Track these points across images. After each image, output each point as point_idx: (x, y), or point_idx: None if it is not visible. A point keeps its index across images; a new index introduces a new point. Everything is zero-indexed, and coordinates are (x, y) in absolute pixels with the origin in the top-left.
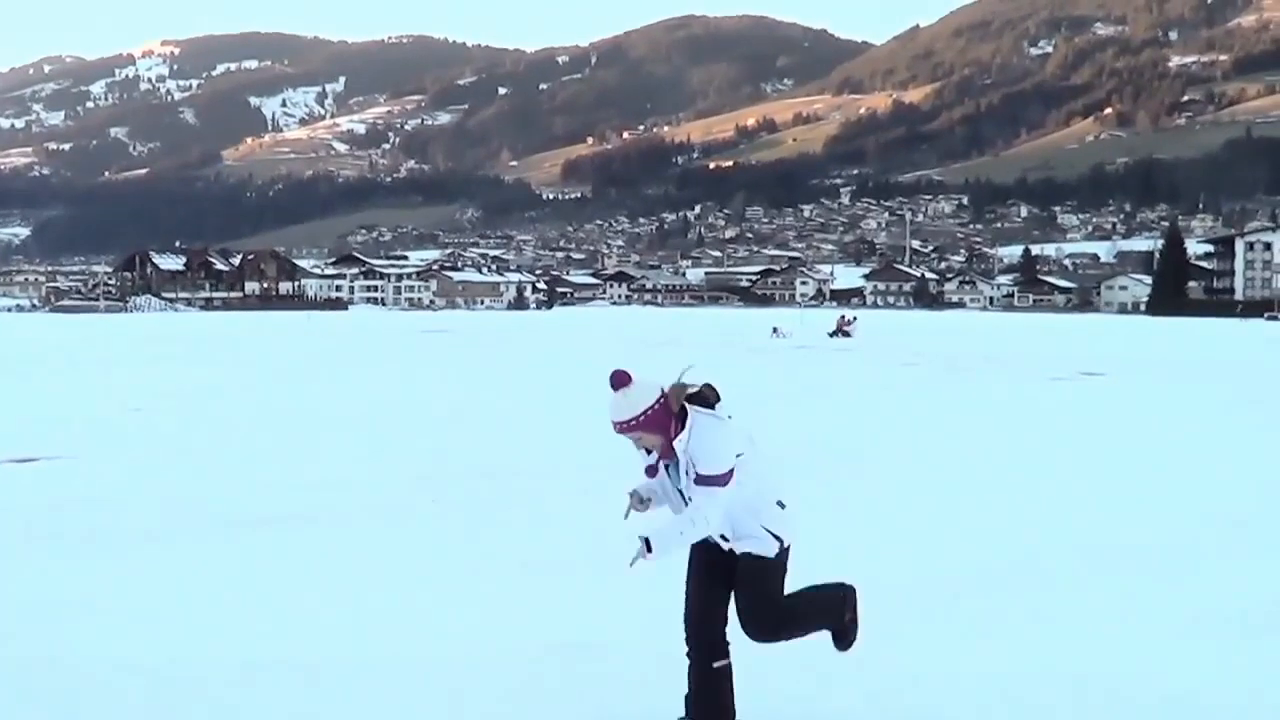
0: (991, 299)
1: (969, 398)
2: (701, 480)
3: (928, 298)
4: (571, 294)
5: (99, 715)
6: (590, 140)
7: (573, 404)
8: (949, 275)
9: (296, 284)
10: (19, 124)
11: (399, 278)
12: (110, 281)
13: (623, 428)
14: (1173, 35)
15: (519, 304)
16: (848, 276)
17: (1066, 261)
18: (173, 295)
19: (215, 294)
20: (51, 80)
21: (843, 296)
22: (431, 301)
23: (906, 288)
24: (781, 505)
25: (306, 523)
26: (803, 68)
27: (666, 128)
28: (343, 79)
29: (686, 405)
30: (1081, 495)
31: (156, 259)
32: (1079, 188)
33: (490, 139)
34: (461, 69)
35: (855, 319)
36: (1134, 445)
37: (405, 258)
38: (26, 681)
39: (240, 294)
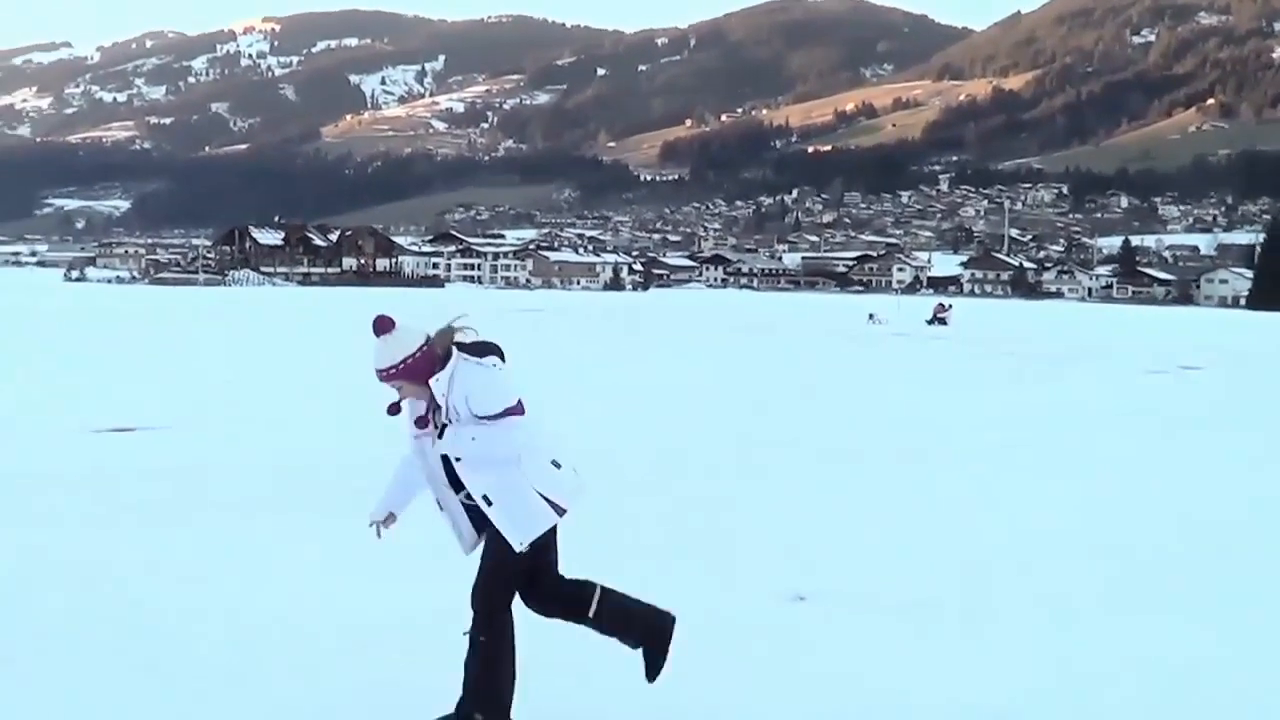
0: (1090, 290)
1: (1063, 389)
2: (491, 420)
3: (1025, 287)
4: (667, 276)
5: (186, 677)
6: (688, 122)
7: (638, 385)
8: (1047, 265)
9: (393, 261)
10: (121, 98)
11: (495, 256)
12: (209, 255)
13: (384, 375)
14: (1278, 26)
15: (615, 285)
16: (945, 264)
17: (1166, 254)
18: (270, 270)
19: (313, 269)
20: (154, 55)
21: (940, 284)
22: (528, 281)
23: (1004, 277)
24: (556, 465)
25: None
26: (903, 53)
27: (765, 111)
28: (442, 58)
29: (456, 352)
30: (1181, 488)
31: (255, 233)
32: (1180, 179)
33: (588, 120)
34: (560, 49)
35: (951, 307)
36: (1232, 440)
37: (502, 237)
38: (121, 641)
39: (337, 270)
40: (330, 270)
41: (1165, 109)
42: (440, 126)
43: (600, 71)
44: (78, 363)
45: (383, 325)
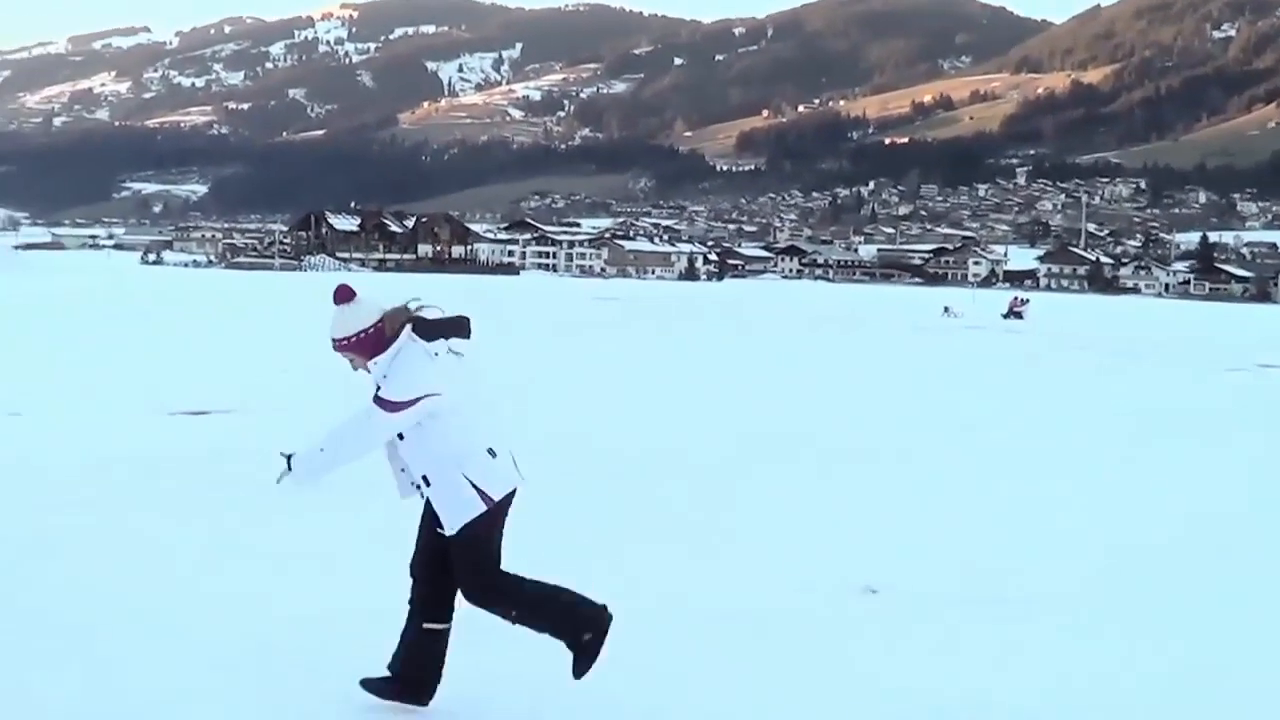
0: (1166, 286)
1: (1141, 386)
2: (376, 400)
3: (1102, 282)
4: (742, 266)
5: (268, 658)
6: (765, 113)
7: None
8: (1124, 260)
9: (469, 248)
10: (199, 83)
11: (571, 245)
12: (285, 240)
13: (336, 345)
14: None
15: (690, 275)
16: (1021, 258)
17: (1245, 250)
18: (346, 255)
19: (388, 255)
20: (232, 41)
21: (1016, 278)
22: (603, 269)
23: (1080, 271)
24: (492, 453)
25: None
26: (981, 45)
27: (842, 102)
28: (519, 45)
29: (411, 334)
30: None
31: (331, 219)
32: (1259, 175)
33: (665, 109)
34: (638, 38)
35: (1028, 301)
36: None
37: (578, 225)
38: (195, 621)
39: (413, 256)
40: (405, 257)
41: (1245, 104)
42: (517, 114)
43: (677, 61)
44: (153, 346)
45: (343, 295)
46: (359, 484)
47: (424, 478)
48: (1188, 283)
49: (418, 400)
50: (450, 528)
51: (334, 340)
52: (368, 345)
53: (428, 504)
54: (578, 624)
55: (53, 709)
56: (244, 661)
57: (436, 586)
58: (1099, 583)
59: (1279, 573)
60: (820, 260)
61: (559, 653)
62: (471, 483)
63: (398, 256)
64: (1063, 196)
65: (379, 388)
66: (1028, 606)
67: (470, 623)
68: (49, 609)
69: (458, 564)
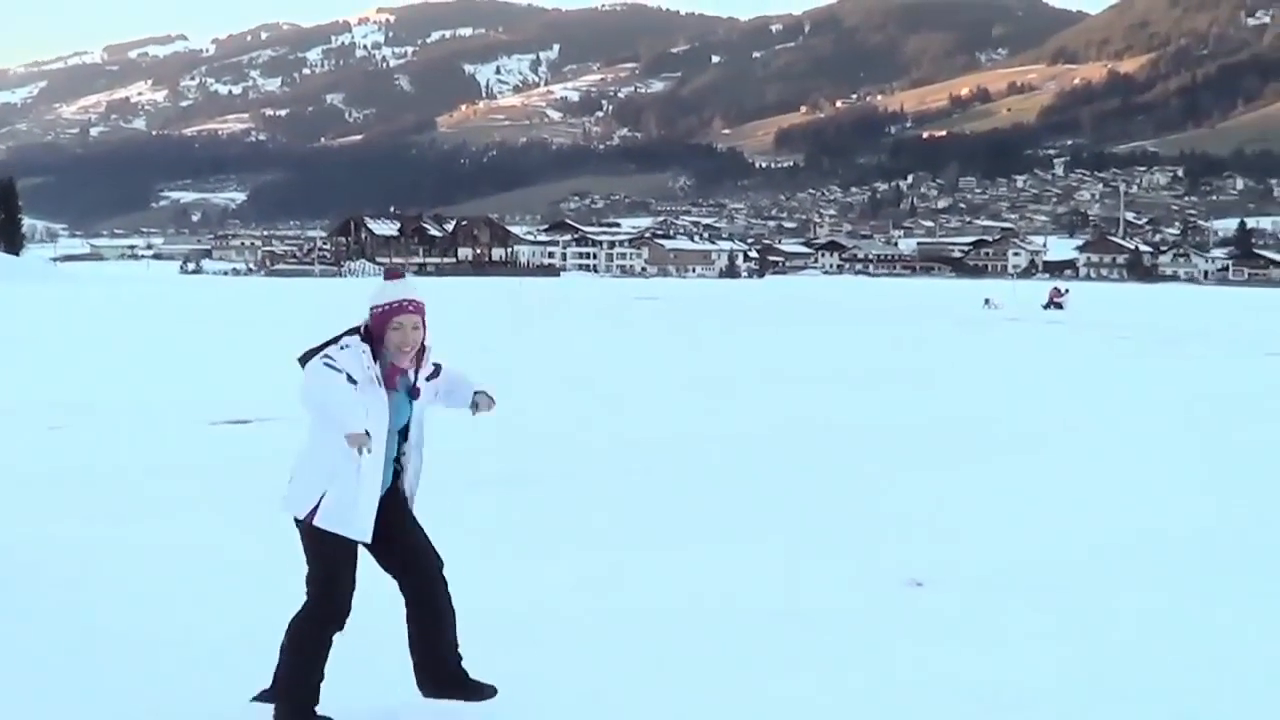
0: (1205, 273)
1: (1183, 373)
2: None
3: (1141, 271)
4: (783, 263)
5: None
6: (803, 109)
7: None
8: (1163, 248)
9: (509, 250)
10: (236, 90)
11: (611, 245)
12: (325, 246)
13: (418, 306)
14: None
15: (730, 272)
16: (1060, 248)
17: None
18: (386, 260)
19: (428, 259)
20: (269, 47)
21: (1055, 268)
22: (643, 269)
23: (1120, 260)
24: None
25: (514, 484)
26: (1017, 37)
27: (880, 97)
28: (556, 46)
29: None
30: None
31: (371, 224)
32: None
33: (703, 107)
34: (675, 37)
35: (1068, 291)
36: None
37: (617, 225)
38: (235, 631)
39: (453, 260)
40: (446, 260)
41: None
42: (555, 115)
43: (715, 59)
44: (193, 356)
45: (396, 272)
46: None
47: (398, 461)
48: (1226, 269)
49: None
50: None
51: (419, 302)
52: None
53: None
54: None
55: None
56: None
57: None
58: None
59: None
60: (860, 255)
61: (579, 654)
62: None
63: (438, 260)
64: (1100, 186)
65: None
66: (1106, 595)
67: (489, 623)
68: (92, 619)
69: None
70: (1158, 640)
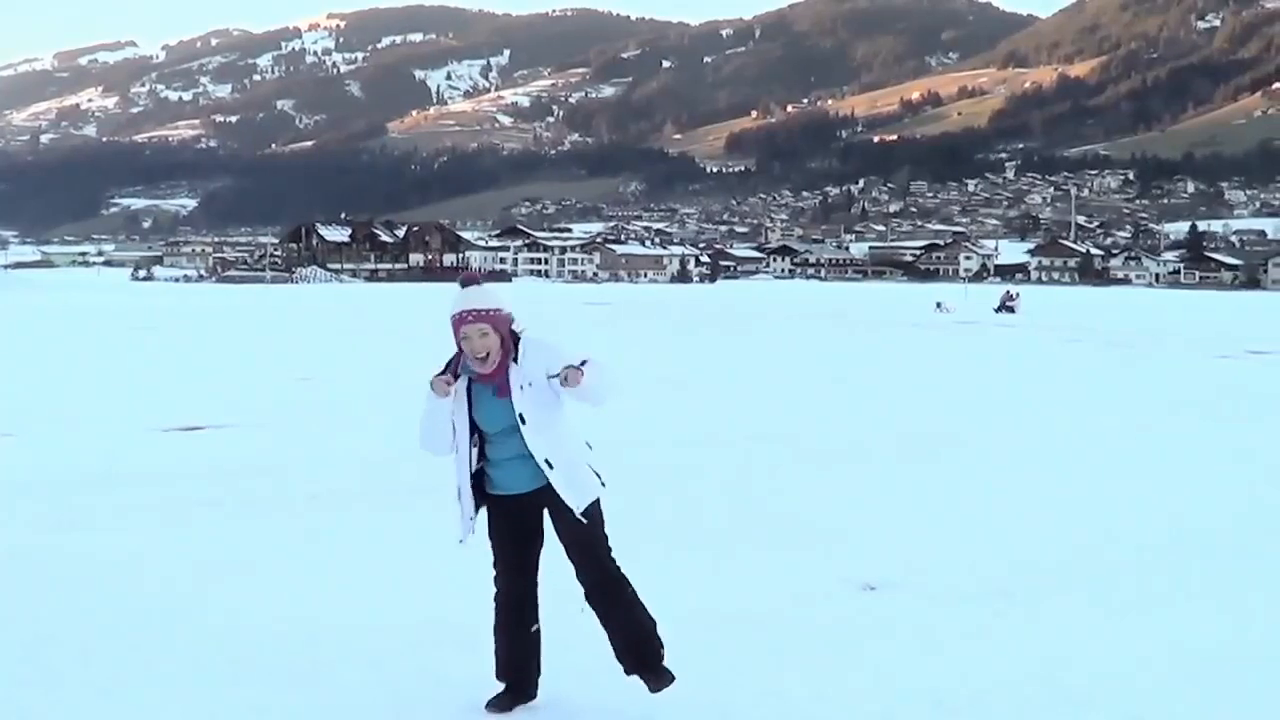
0: (1157, 276)
1: (1133, 375)
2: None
3: (1092, 274)
4: (734, 267)
5: (263, 671)
6: (754, 114)
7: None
8: (1114, 251)
9: (460, 256)
10: (187, 96)
11: (562, 250)
12: (276, 253)
13: (483, 315)
14: None
15: (682, 277)
16: (1012, 252)
17: (1233, 238)
18: (338, 266)
19: (380, 266)
20: (219, 53)
21: (1007, 272)
22: (595, 274)
23: (1071, 264)
24: (589, 446)
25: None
26: (967, 41)
27: (830, 101)
28: (507, 52)
29: (523, 336)
30: (1255, 472)
31: (322, 230)
32: (1247, 163)
33: (654, 112)
34: (625, 42)
35: (1019, 294)
36: None
37: (569, 230)
38: (191, 635)
39: (405, 266)
40: (397, 266)
41: (1231, 93)
42: (506, 121)
43: (665, 63)
44: (146, 362)
45: (472, 278)
46: (351, 496)
47: (547, 461)
48: (1178, 272)
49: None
50: (578, 507)
51: (485, 310)
52: (504, 321)
53: (502, 516)
54: (656, 641)
55: None
56: (240, 675)
57: (530, 589)
58: (1122, 568)
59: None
60: (812, 259)
61: (575, 655)
62: (592, 468)
63: (389, 266)
64: (1052, 190)
65: (563, 361)
66: (1039, 595)
67: (469, 625)
68: (41, 627)
69: (586, 544)
70: (1110, 642)
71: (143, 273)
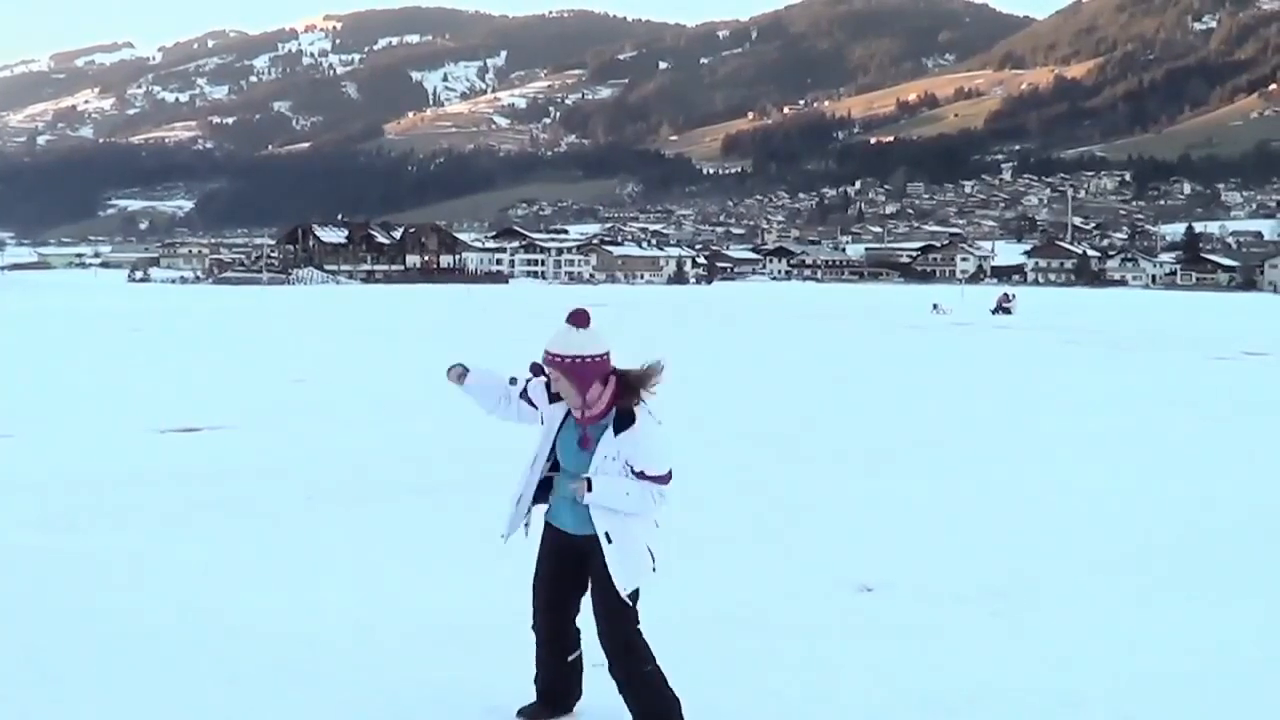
0: (1154, 277)
1: (1130, 376)
2: (650, 479)
3: (1089, 275)
4: (731, 269)
5: (262, 670)
6: (751, 115)
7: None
8: (1111, 253)
9: (457, 257)
10: (184, 98)
11: (559, 252)
12: (273, 254)
13: (553, 360)
14: None
15: (679, 279)
16: (1009, 253)
17: (1230, 240)
18: (334, 268)
19: (376, 267)
20: (215, 55)
21: (1003, 273)
22: (591, 275)
23: (1068, 265)
24: (656, 525)
25: (464, 491)
26: (964, 42)
27: (827, 103)
28: (504, 53)
29: (628, 386)
30: (1251, 474)
31: (318, 232)
32: (1243, 165)
33: (650, 113)
34: (622, 43)
35: (1015, 296)
36: None
37: (565, 232)
38: (190, 636)
39: (401, 267)
40: (394, 268)
41: (1227, 95)
42: (502, 122)
43: (662, 65)
44: (144, 363)
45: (581, 319)
46: (348, 497)
47: (606, 534)
48: (1174, 274)
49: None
50: (625, 587)
51: (557, 355)
52: (588, 372)
53: (550, 546)
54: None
55: None
56: (240, 675)
57: (565, 624)
58: (1108, 570)
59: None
60: (808, 261)
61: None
62: (649, 547)
63: (386, 268)
64: (1048, 191)
65: (637, 463)
66: (1039, 598)
67: (468, 624)
68: (41, 627)
69: (615, 613)
70: (1108, 642)
71: (139, 274)
